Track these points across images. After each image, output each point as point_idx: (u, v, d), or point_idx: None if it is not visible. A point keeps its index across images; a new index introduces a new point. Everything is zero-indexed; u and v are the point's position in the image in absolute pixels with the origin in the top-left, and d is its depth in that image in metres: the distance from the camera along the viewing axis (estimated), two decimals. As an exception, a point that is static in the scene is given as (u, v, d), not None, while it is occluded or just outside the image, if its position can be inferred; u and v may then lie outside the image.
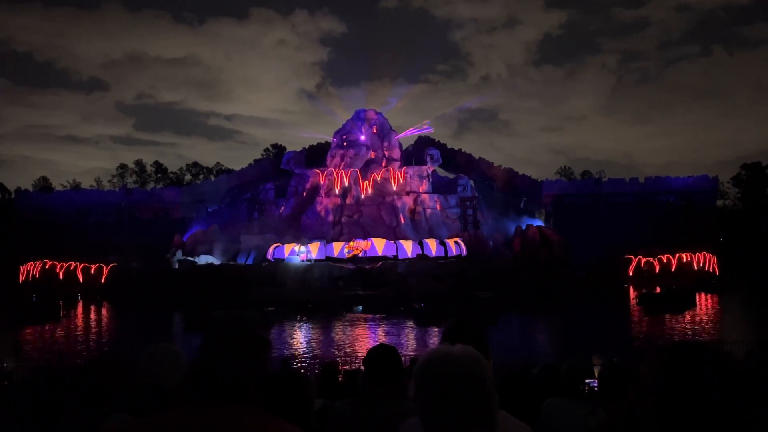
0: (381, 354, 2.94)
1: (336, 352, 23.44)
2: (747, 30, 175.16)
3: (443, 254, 47.96)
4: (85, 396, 3.52)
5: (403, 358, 3.16)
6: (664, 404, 1.23)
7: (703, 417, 1.18)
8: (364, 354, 3.12)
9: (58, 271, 48.81)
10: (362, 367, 3.12)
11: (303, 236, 48.34)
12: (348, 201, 53.36)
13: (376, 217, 52.65)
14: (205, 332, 1.70)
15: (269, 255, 46.69)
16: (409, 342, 26.61)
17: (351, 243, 47.28)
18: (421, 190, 55.50)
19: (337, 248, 47.19)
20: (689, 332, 28.85)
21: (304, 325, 34.82)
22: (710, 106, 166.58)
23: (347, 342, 27.69)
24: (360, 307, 39.14)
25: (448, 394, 1.52)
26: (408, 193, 54.81)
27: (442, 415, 1.52)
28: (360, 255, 46.02)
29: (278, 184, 59.02)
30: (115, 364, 3.62)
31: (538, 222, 57.39)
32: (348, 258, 45.89)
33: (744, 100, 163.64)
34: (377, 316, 36.92)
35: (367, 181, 54.71)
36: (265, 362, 1.71)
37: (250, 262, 47.50)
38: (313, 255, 46.00)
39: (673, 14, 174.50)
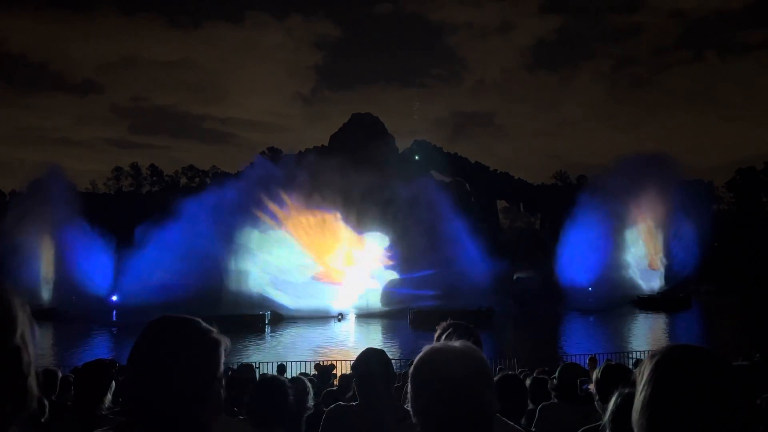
0: (370, 357, 2.92)
1: (332, 355, 23.37)
2: (739, 36, 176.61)
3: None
4: (79, 399, 3.49)
5: (397, 362, 3.13)
6: (657, 410, 1.21)
7: (697, 423, 1.17)
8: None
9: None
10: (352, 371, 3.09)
11: None
12: None
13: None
14: (143, 331, 1.44)
15: None
16: (403, 345, 26.56)
17: None
18: None
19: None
20: (683, 336, 28.92)
21: (303, 328, 34.78)
22: (704, 111, 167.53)
23: (344, 345, 27.65)
24: (340, 316, 41.41)
25: (446, 388, 1.43)
26: None
27: (439, 412, 1.43)
28: None
29: None
30: (108, 368, 3.59)
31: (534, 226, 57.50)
32: None
33: (737, 105, 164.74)
34: (372, 319, 36.87)
35: None
36: (217, 365, 1.43)
37: None
38: None
39: (666, 20, 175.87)
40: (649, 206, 52.80)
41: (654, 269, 53.57)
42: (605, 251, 50.08)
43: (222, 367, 1.47)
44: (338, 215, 49.28)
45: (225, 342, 1.48)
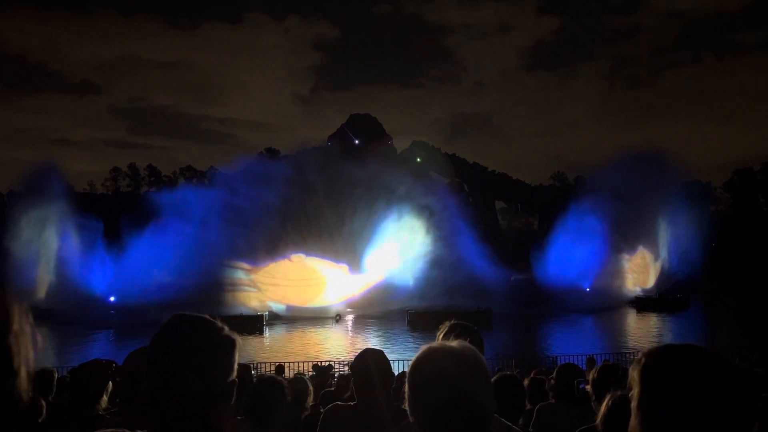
0: (368, 358, 2.92)
1: (330, 356, 23.35)
2: (737, 37, 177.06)
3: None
4: (76, 399, 3.48)
5: (395, 362, 3.13)
6: (654, 408, 1.21)
7: (693, 421, 1.16)
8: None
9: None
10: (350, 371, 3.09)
11: None
12: None
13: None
14: (160, 330, 1.43)
15: None
16: (401, 346, 26.55)
17: None
18: None
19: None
20: (681, 336, 28.97)
21: (300, 328, 34.76)
22: (701, 111, 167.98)
23: (341, 345, 27.64)
24: (338, 316, 41.21)
25: (444, 389, 1.44)
26: None
27: (437, 412, 1.43)
28: None
29: None
30: (105, 368, 3.59)
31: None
32: None
33: (735, 106, 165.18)
34: (370, 320, 36.85)
35: None
36: (233, 363, 1.45)
37: None
38: None
39: (665, 21, 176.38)
40: (646, 206, 52.87)
41: (651, 270, 53.62)
42: (602, 252, 50.10)
43: (236, 367, 1.47)
44: (302, 256, 48.35)
45: (238, 341, 1.49)
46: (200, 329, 1.44)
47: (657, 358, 1.24)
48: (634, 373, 1.26)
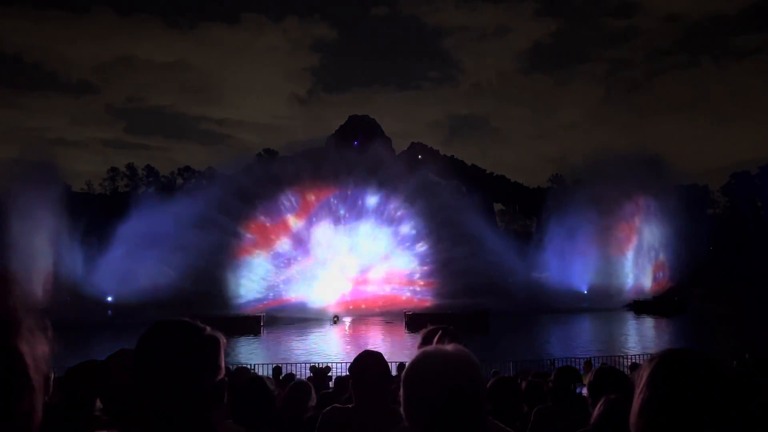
0: (367, 360, 2.92)
1: (328, 357, 23.31)
2: (734, 41, 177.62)
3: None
4: (69, 400, 3.47)
5: (392, 364, 3.13)
6: (655, 413, 1.21)
7: (694, 425, 1.17)
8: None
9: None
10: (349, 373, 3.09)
11: None
12: None
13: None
14: (145, 331, 1.45)
15: None
16: (399, 348, 26.51)
17: None
18: None
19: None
20: (679, 339, 29.00)
21: (298, 329, 34.72)
22: (699, 115, 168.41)
23: (340, 347, 27.61)
24: (336, 318, 40.80)
25: (440, 392, 1.44)
26: None
27: (431, 415, 1.44)
28: None
29: None
30: (97, 370, 3.57)
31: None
32: None
33: (732, 109, 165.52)
34: (368, 321, 36.79)
35: None
36: (220, 363, 1.45)
37: None
38: None
39: (662, 24, 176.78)
40: (643, 209, 52.97)
41: (649, 273, 53.70)
42: (600, 254, 50.19)
43: (224, 369, 1.47)
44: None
45: (222, 340, 1.49)
46: (182, 332, 1.44)
47: (666, 360, 1.24)
48: (642, 374, 1.26)
